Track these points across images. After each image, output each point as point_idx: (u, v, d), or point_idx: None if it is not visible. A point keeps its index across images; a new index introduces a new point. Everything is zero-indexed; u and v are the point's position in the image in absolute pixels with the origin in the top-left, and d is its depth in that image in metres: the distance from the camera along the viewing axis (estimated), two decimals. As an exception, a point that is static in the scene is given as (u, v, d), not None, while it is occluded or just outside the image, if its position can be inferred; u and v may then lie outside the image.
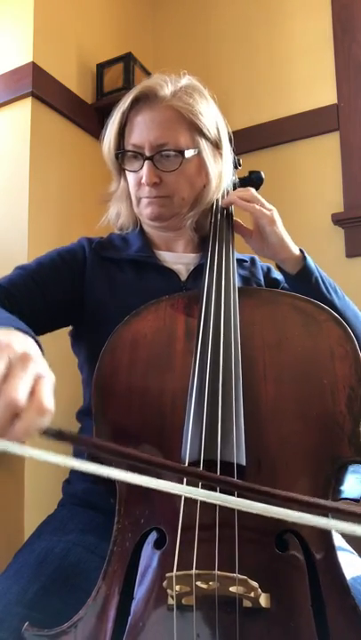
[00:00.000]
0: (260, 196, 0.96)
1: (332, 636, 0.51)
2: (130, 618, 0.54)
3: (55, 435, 0.49)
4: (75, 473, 0.95)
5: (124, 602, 0.55)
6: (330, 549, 0.58)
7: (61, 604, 0.65)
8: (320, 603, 0.53)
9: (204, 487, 0.49)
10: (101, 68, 1.81)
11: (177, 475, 0.52)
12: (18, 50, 1.58)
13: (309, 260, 0.94)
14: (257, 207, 0.93)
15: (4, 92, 1.57)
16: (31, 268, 0.95)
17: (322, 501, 0.50)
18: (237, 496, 0.46)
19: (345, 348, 0.70)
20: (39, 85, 1.55)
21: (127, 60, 1.78)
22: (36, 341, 0.62)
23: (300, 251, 0.95)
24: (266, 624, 0.51)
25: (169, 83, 0.94)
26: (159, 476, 0.48)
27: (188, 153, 0.93)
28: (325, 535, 0.59)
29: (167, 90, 0.93)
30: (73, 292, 0.95)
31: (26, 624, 0.57)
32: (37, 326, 0.90)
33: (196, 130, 0.94)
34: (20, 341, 0.54)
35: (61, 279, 0.95)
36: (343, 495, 0.67)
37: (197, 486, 0.52)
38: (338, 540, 0.78)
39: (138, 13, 2.12)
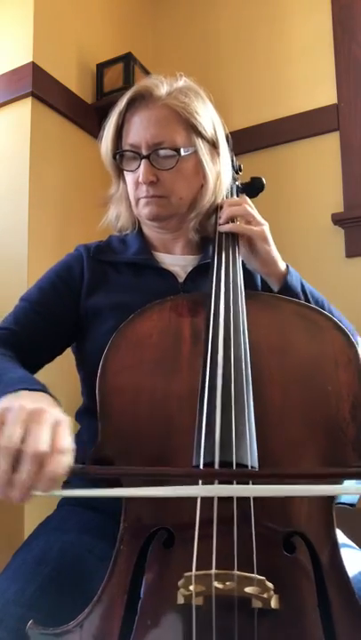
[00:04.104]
0: (253, 210, 0.94)
1: (339, 636, 0.52)
2: (137, 617, 0.53)
3: (79, 472, 0.57)
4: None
5: (131, 601, 0.55)
6: (335, 550, 0.58)
7: (59, 604, 0.64)
8: (326, 603, 0.54)
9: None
10: (101, 67, 1.82)
11: (205, 479, 0.58)
12: (18, 50, 1.58)
13: (291, 278, 0.92)
14: (247, 228, 0.91)
15: (3, 92, 1.57)
16: (34, 298, 0.96)
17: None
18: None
19: (348, 355, 0.70)
20: (39, 85, 1.55)
21: (127, 60, 1.79)
22: (47, 391, 0.69)
23: (287, 266, 0.94)
24: (274, 625, 0.51)
25: (165, 83, 0.95)
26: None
27: (185, 151, 0.93)
28: (330, 535, 0.59)
29: (163, 90, 0.94)
30: (75, 308, 0.96)
31: (30, 622, 0.56)
32: (51, 354, 0.97)
33: (192, 129, 0.94)
34: (32, 400, 0.61)
35: (64, 302, 0.96)
36: (340, 500, 0.68)
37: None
38: (340, 537, 0.79)
39: (138, 13, 2.12)
